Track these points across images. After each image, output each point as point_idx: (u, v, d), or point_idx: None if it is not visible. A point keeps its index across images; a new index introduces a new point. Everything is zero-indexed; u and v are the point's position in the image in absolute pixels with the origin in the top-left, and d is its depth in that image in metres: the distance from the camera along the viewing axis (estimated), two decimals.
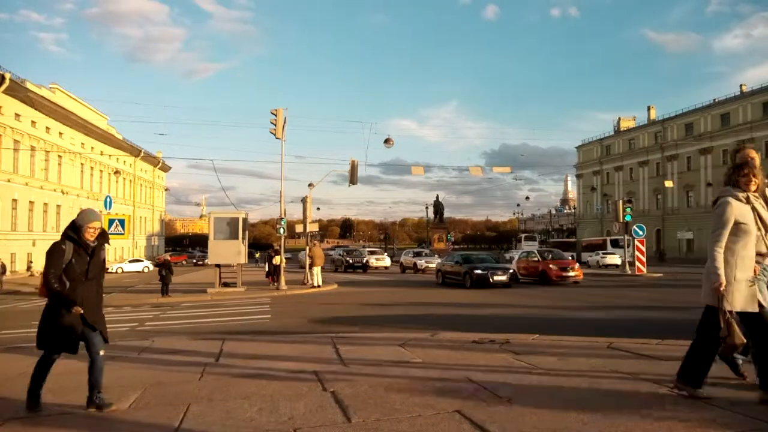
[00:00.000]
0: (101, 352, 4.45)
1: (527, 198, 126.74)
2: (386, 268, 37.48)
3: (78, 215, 4.58)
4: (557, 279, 21.47)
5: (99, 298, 4.63)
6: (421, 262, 34.24)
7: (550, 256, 23.55)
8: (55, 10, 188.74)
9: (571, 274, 21.82)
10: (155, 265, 38.56)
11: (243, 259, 21.73)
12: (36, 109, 42.09)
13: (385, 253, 44.10)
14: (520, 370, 5.52)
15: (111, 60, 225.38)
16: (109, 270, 45.53)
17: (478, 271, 20.04)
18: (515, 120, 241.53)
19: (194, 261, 63.67)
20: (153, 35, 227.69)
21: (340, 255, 39.40)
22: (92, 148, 53.29)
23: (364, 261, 36.67)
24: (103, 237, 4.59)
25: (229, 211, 24.23)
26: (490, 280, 19.75)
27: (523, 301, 15.15)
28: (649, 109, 70.09)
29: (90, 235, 4.47)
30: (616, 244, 52.34)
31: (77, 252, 4.42)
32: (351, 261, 36.75)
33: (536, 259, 23.21)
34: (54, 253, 4.42)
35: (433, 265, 31.32)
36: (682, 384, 4.26)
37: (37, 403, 4.39)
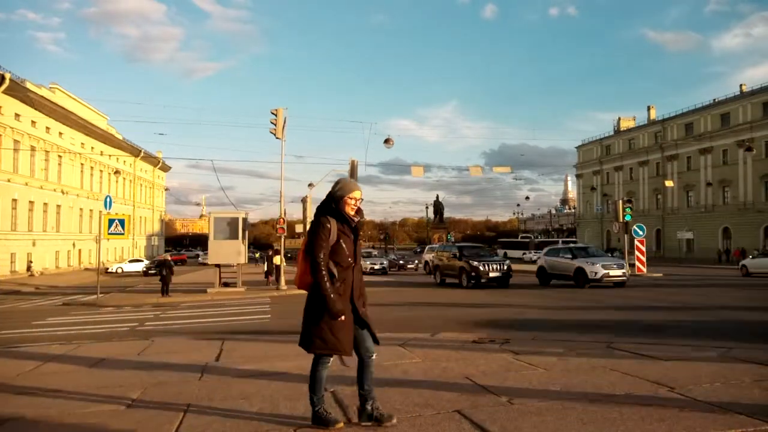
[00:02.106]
0: (373, 355, 3.73)
1: (527, 198, 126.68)
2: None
3: (337, 185, 3.71)
4: None
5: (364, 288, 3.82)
6: (595, 268, 18.93)
7: None
8: (52, 10, 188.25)
9: None
10: (155, 266, 38.28)
11: (243, 259, 21.76)
12: (36, 109, 42.10)
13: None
14: (520, 370, 5.52)
15: (110, 60, 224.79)
16: (109, 270, 45.54)
17: None
18: (515, 120, 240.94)
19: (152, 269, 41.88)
20: (151, 35, 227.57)
21: (455, 256, 21.59)
22: (92, 148, 53.29)
23: (506, 268, 20.39)
24: (359, 213, 3.73)
25: (229, 211, 24.26)
26: None
27: None
28: (649, 109, 70.10)
29: (351, 209, 3.65)
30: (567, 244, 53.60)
31: (342, 230, 3.59)
32: (484, 269, 19.84)
33: None
34: (320, 229, 3.53)
35: (620, 273, 19.00)
36: None
37: (322, 418, 3.64)
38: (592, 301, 14.33)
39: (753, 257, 28.88)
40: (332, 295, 3.45)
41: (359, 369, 3.69)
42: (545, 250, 24.11)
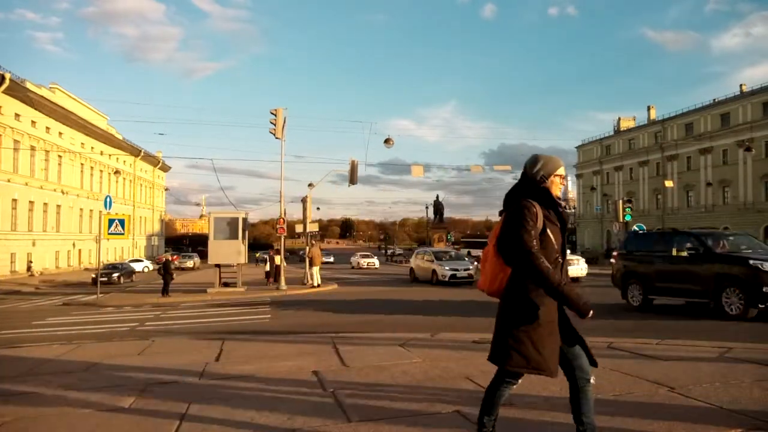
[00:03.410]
0: (592, 379, 3.00)
1: None
2: None
3: (537, 162, 2.93)
4: None
5: None
6: None
7: None
8: (50, 9, 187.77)
9: None
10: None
11: (243, 259, 21.75)
12: (36, 109, 42.09)
13: None
14: None
15: (109, 59, 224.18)
16: None
17: None
18: (514, 120, 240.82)
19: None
20: (150, 34, 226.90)
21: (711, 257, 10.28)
22: (92, 148, 53.27)
23: None
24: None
25: (229, 211, 24.27)
26: None
27: None
28: (649, 109, 70.11)
29: (558, 190, 2.92)
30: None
31: (548, 217, 2.82)
32: None
33: None
34: (526, 213, 2.75)
35: None
36: None
37: None
38: None
39: None
40: (565, 286, 2.67)
41: (572, 396, 2.96)
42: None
